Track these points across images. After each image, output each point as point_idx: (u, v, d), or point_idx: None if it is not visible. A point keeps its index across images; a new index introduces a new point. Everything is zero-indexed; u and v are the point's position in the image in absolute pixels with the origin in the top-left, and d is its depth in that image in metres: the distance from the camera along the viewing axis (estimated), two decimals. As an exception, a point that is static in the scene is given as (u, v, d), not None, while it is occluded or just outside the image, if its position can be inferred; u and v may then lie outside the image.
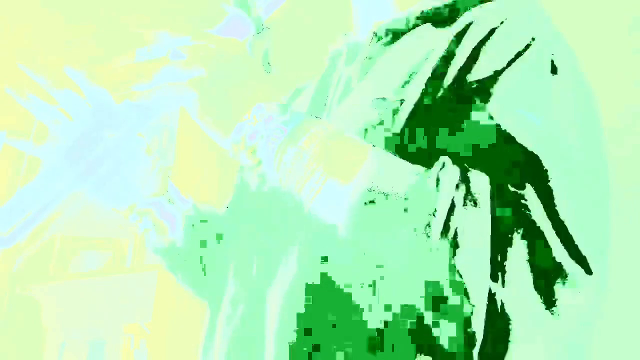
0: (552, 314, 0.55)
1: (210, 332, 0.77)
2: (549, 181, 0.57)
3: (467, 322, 0.54)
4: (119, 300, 2.43)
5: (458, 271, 0.53)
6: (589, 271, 0.56)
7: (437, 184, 0.55)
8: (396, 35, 0.77)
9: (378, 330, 0.59)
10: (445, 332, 0.55)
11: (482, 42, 0.66)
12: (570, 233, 0.56)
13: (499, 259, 0.54)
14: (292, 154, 0.59)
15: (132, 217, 0.80)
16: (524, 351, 0.55)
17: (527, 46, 0.64)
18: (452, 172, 0.56)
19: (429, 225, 0.54)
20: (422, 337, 0.57)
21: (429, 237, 0.54)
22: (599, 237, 0.60)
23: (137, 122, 0.68)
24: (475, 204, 0.55)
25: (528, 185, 0.57)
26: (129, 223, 0.81)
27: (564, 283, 0.55)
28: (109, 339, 2.43)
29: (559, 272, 0.55)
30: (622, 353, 1.38)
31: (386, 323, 0.59)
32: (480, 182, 0.56)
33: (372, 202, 0.56)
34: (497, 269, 0.54)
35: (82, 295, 2.51)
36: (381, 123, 0.66)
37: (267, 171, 0.62)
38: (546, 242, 0.55)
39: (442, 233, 0.54)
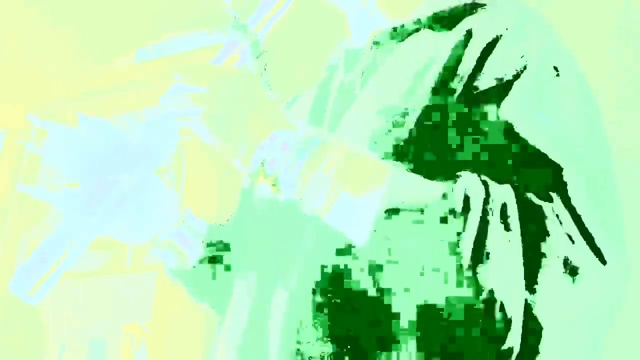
0: (582, 316, 0.56)
1: (218, 341, 0.77)
2: (568, 189, 0.58)
3: (503, 336, 0.54)
4: (119, 300, 2.43)
5: (491, 287, 0.54)
6: (613, 272, 0.57)
7: (465, 201, 0.55)
8: (396, 41, 0.77)
9: (388, 341, 0.59)
10: (477, 348, 0.56)
11: (487, 50, 0.66)
12: (594, 238, 0.57)
13: (532, 271, 0.54)
14: (314, 180, 0.59)
15: (153, 250, 0.80)
16: (554, 352, 0.56)
17: (533, 52, 0.64)
18: (477, 188, 0.57)
19: (459, 242, 0.54)
20: (450, 350, 0.58)
21: (460, 254, 0.54)
22: (618, 239, 0.60)
23: (151, 161, 0.68)
24: (504, 219, 0.55)
25: (554, 196, 0.57)
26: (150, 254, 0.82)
27: (593, 286, 0.56)
28: (109, 339, 2.43)
29: (587, 276, 0.55)
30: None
31: (404, 335, 0.59)
32: (506, 195, 0.56)
33: (396, 221, 0.56)
34: (530, 281, 0.54)
35: (82, 295, 2.51)
36: (389, 132, 0.67)
37: (289, 198, 0.62)
38: (575, 249, 0.56)
39: (474, 250, 0.54)
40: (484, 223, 0.55)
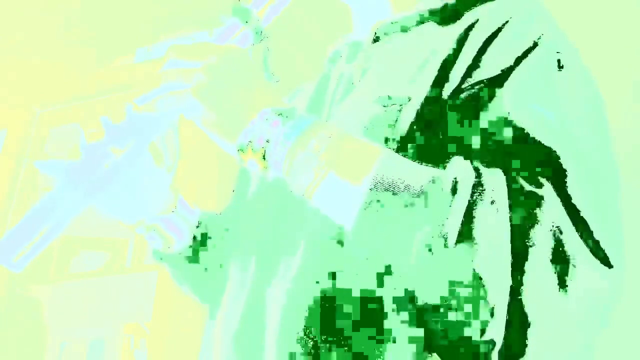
0: (572, 310, 0.55)
1: (210, 330, 0.76)
2: (566, 177, 0.57)
3: (487, 323, 0.54)
4: (119, 300, 2.43)
5: (477, 273, 0.53)
6: (609, 266, 0.56)
7: (453, 184, 0.55)
8: (399, 33, 0.77)
9: (386, 330, 0.59)
10: (464, 334, 0.55)
11: (489, 41, 0.65)
12: (591, 228, 0.56)
13: (519, 258, 0.53)
14: (302, 158, 0.58)
15: (139, 230, 0.79)
16: (542, 349, 0.55)
17: (535, 44, 0.64)
18: (467, 172, 0.56)
19: (444, 226, 0.53)
20: (433, 338, 0.57)
21: (445, 238, 0.53)
22: (615, 231, 0.59)
23: (144, 136, 0.67)
24: (493, 204, 0.54)
25: (546, 183, 0.56)
26: (136, 233, 0.80)
27: (584, 278, 0.55)
28: (109, 339, 2.43)
29: (578, 267, 0.55)
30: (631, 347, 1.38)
31: (395, 323, 0.59)
32: (496, 181, 0.56)
33: (384, 203, 0.55)
34: (517, 269, 0.53)
35: (82, 295, 2.51)
36: (386, 120, 0.66)
37: (276, 176, 0.61)
38: (566, 239, 0.55)
39: (459, 234, 0.53)
40: (471, 207, 0.54)
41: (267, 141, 0.59)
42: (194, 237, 0.83)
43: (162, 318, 2.29)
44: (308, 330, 0.62)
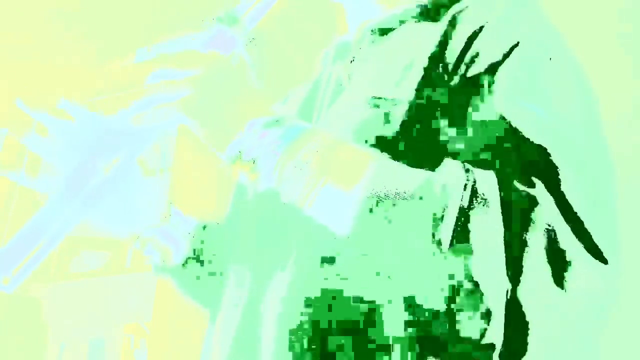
0: (570, 309, 0.55)
1: (209, 338, 0.76)
2: (558, 175, 0.57)
3: (486, 326, 0.53)
4: (119, 300, 2.43)
5: (473, 276, 0.53)
6: (604, 262, 0.56)
7: (445, 188, 0.55)
8: (385, 33, 0.77)
9: (385, 336, 0.58)
10: (463, 337, 0.55)
11: (475, 35, 0.65)
12: (585, 226, 0.56)
13: (514, 259, 0.53)
14: (292, 168, 0.58)
15: (135, 245, 0.78)
16: (542, 349, 0.54)
17: (523, 38, 0.63)
18: (458, 175, 0.56)
19: (438, 230, 0.53)
20: (432, 343, 0.57)
21: (439, 242, 0.53)
22: (610, 228, 0.59)
23: (132, 149, 0.66)
24: (485, 206, 0.54)
25: (538, 182, 0.56)
26: (132, 248, 0.80)
27: (580, 277, 0.54)
28: (109, 339, 2.43)
29: (575, 266, 0.54)
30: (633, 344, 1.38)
31: (394, 328, 0.58)
32: (487, 181, 0.56)
33: (377, 210, 0.55)
34: (513, 270, 0.53)
35: (82, 295, 2.51)
36: (377, 122, 0.65)
37: (267, 187, 0.61)
38: (561, 237, 0.55)
39: (453, 237, 0.53)
40: (464, 210, 0.54)
41: (256, 153, 0.59)
42: (193, 248, 0.82)
43: (162, 318, 2.29)
44: (304, 338, 0.61)
